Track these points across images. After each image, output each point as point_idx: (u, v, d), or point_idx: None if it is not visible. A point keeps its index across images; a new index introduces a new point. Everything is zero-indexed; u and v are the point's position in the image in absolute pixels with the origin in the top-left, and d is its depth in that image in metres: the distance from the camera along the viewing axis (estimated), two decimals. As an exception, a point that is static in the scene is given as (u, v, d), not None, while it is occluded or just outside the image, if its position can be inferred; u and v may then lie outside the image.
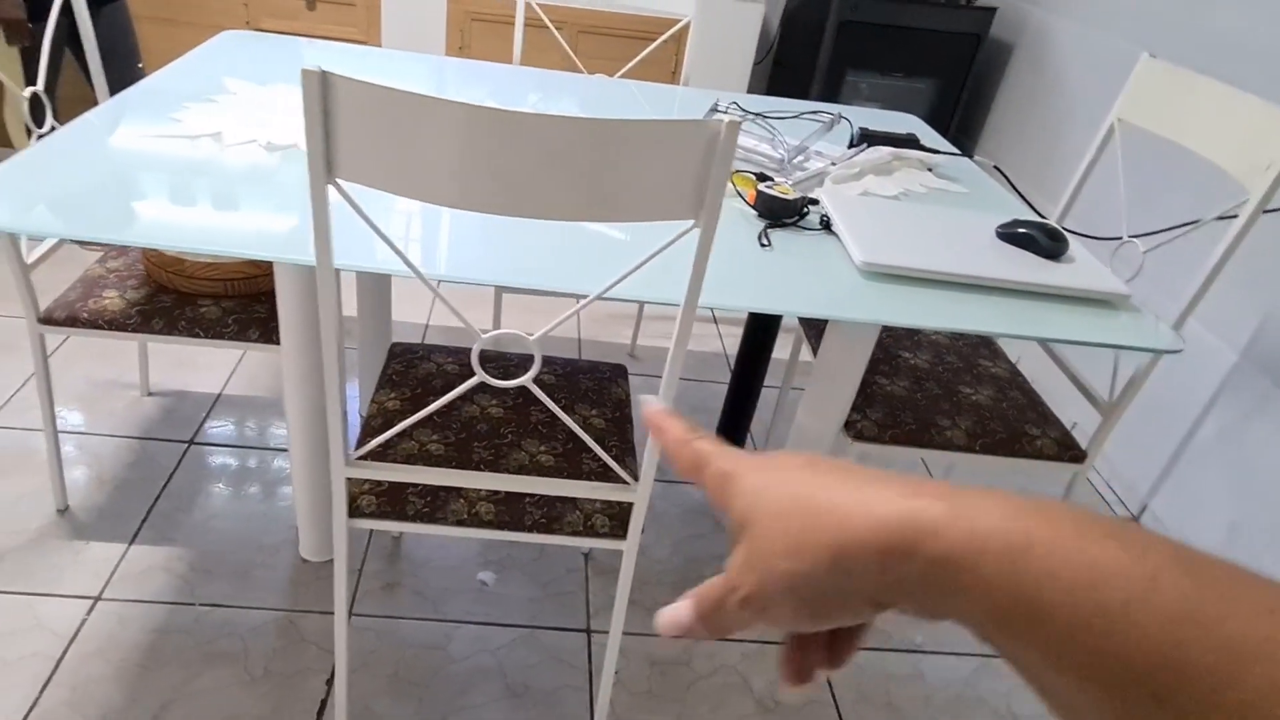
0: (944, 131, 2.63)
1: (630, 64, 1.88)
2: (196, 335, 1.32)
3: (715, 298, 0.99)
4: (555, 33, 1.84)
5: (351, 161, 0.77)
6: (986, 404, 1.43)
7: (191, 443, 1.73)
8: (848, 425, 1.35)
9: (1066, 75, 2.28)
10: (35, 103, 1.31)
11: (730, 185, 1.23)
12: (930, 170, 1.44)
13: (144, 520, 1.54)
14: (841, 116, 1.41)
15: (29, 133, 1.31)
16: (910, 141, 1.46)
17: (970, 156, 1.52)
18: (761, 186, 1.17)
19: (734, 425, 1.89)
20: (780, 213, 1.16)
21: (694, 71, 2.62)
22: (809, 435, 1.35)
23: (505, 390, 1.25)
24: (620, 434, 1.22)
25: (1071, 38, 2.27)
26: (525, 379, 0.93)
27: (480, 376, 0.92)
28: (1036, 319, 1.05)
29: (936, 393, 1.44)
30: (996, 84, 2.58)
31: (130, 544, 1.49)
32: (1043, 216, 1.54)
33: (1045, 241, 1.14)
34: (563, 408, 1.25)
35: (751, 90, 2.97)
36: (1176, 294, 1.22)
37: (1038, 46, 2.41)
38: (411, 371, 1.28)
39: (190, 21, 2.46)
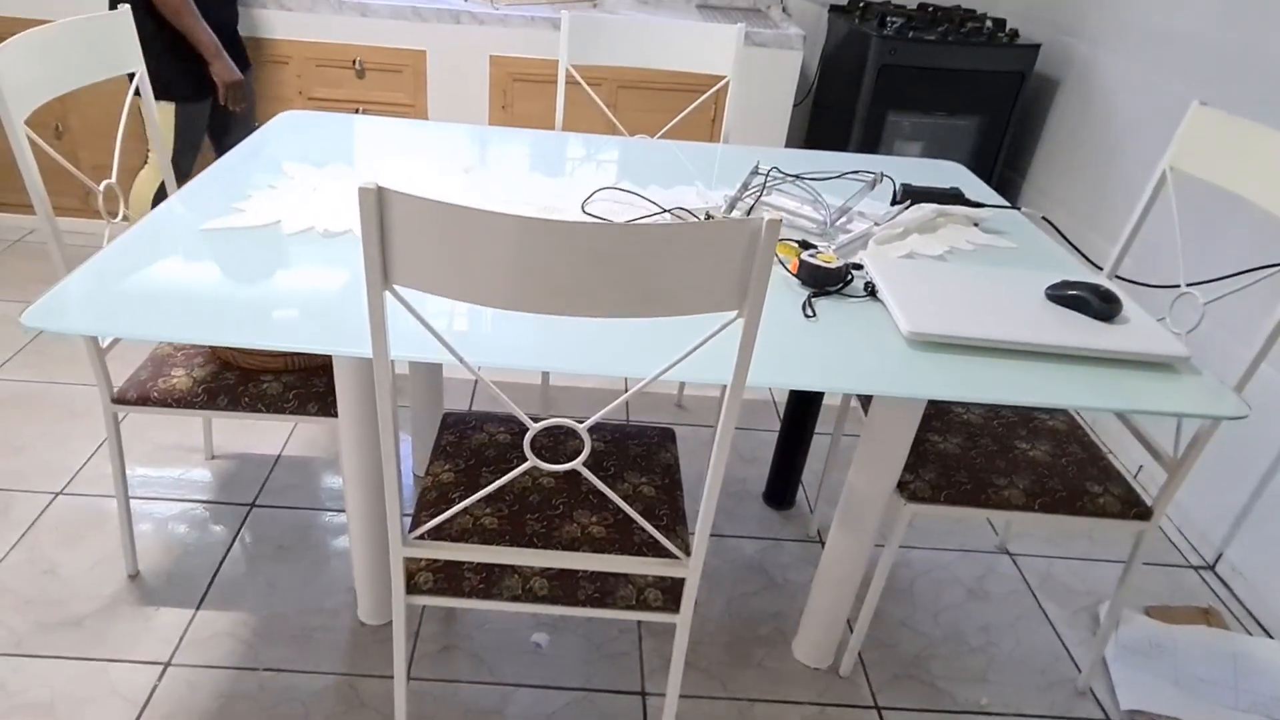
0: (990, 170, 2.60)
1: (669, 125, 1.91)
2: (259, 410, 1.37)
3: (760, 375, 0.99)
4: (595, 98, 1.88)
5: (406, 269, 0.80)
6: (1044, 460, 1.40)
7: (253, 505, 1.78)
8: (901, 486, 1.33)
9: (1115, 111, 2.25)
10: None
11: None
12: (976, 225, 1.43)
13: (210, 584, 1.59)
14: (883, 175, 1.41)
15: (114, 215, 1.39)
16: (954, 196, 1.45)
17: (1017, 207, 1.50)
18: (804, 255, 1.17)
19: (785, 475, 1.88)
20: (824, 281, 1.16)
21: (734, 118, 2.64)
22: (861, 497, 1.34)
23: (555, 462, 1.27)
24: (670, 502, 1.23)
25: (1120, 73, 2.24)
26: (576, 463, 0.94)
27: (532, 461, 0.94)
28: (1092, 387, 1.03)
29: (992, 449, 1.41)
30: (1042, 121, 2.55)
31: (198, 609, 1.53)
32: (1096, 265, 1.51)
33: (1097, 304, 1.12)
34: (612, 476, 1.26)
35: (792, 132, 2.99)
36: (1239, 333, 1.18)
37: (1085, 82, 2.38)
38: (464, 442, 1.31)
39: (256, 94, 2.57)
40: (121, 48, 1.41)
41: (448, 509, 1.17)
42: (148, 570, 1.61)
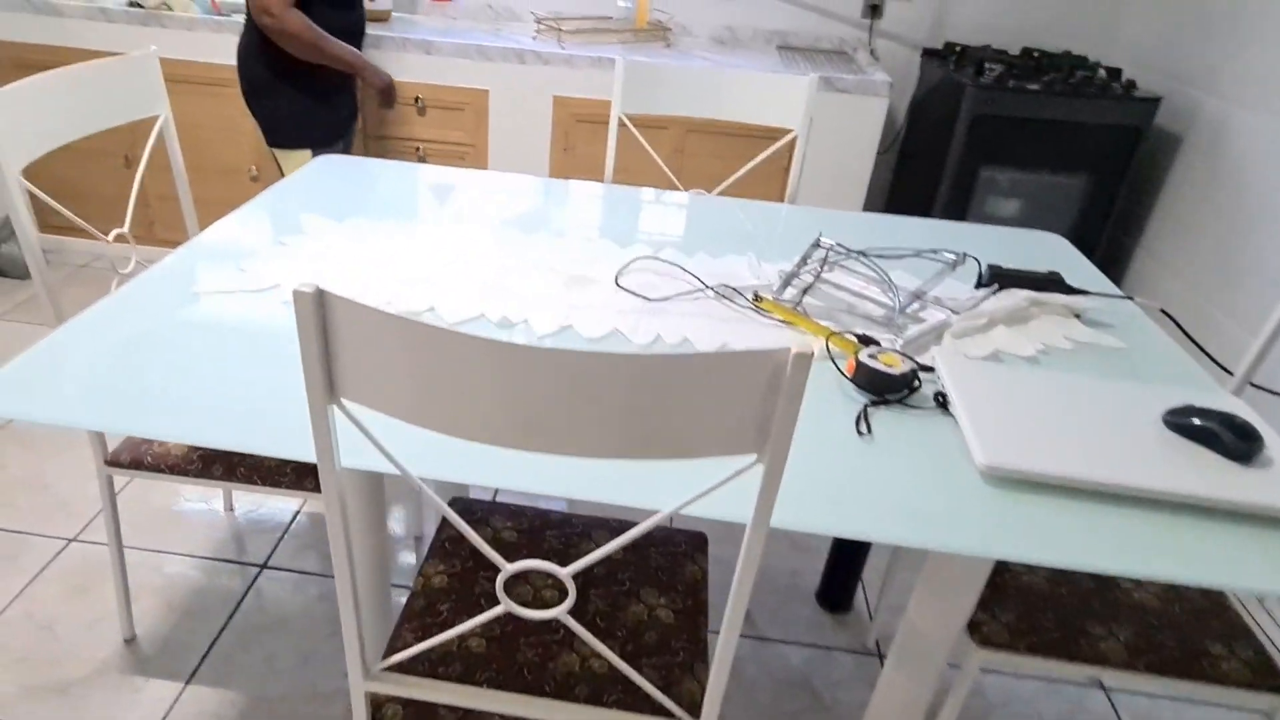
0: (1098, 234, 2.34)
1: (730, 180, 1.75)
2: (254, 483, 1.26)
3: (792, 514, 0.81)
4: (650, 150, 1.74)
5: (355, 384, 0.66)
6: (1153, 605, 1.16)
7: (264, 567, 1.68)
8: (972, 627, 1.12)
9: (1251, 176, 1.96)
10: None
11: (824, 345, 1.06)
12: (1078, 317, 1.21)
13: (205, 655, 1.48)
14: (966, 255, 1.21)
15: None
16: (1052, 282, 1.24)
17: (1130, 297, 1.27)
18: (863, 355, 0.99)
19: (843, 573, 1.67)
20: (885, 388, 0.97)
21: (804, 175, 2.46)
22: (923, 636, 1.12)
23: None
24: (691, 631, 1.05)
25: (1257, 133, 1.96)
26: (558, 612, 0.78)
27: (505, 605, 0.78)
28: (1223, 554, 0.81)
29: (1088, 587, 1.18)
30: (1161, 183, 2.27)
31: (187, 683, 1.43)
32: (1225, 369, 1.26)
33: (1231, 440, 0.89)
34: (626, 593, 1.09)
35: (874, 183, 2.78)
36: None
37: (1214, 142, 2.11)
38: (466, 538, 1.16)
39: (313, 126, 2.54)
40: (147, 90, 1.34)
41: (432, 623, 1.02)
42: (145, 634, 1.51)
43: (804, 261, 1.22)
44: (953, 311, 1.15)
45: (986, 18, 2.61)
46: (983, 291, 1.21)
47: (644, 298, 1.17)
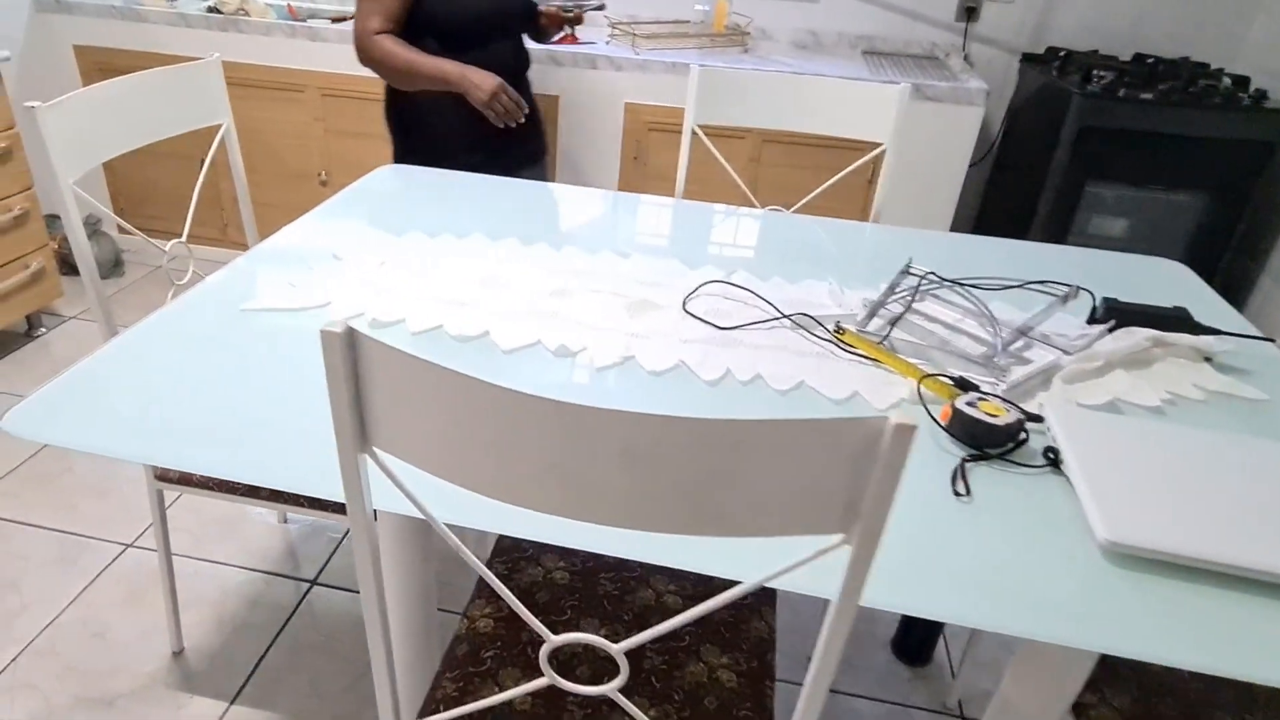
0: (1218, 257, 2.13)
1: (810, 196, 1.64)
2: (300, 505, 1.21)
3: (874, 590, 0.70)
4: (725, 164, 1.64)
5: (388, 434, 0.59)
6: (1291, 697, 1.00)
7: (314, 583, 1.64)
8: (1078, 709, 0.99)
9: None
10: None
11: (916, 388, 0.94)
12: (1208, 361, 1.07)
13: (251, 674, 1.45)
14: (1080, 288, 1.07)
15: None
16: (1178, 319, 1.09)
17: (1271, 339, 1.12)
18: (961, 401, 0.87)
19: (922, 626, 1.54)
20: (986, 441, 0.85)
21: (891, 191, 2.32)
22: (1020, 717, 1.00)
23: (616, 618, 1.02)
24: (755, 698, 0.95)
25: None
26: (610, 688, 0.69)
27: (550, 678, 0.69)
28: None
29: (1210, 669, 1.03)
30: (1290, 202, 2.06)
31: (232, 702, 1.40)
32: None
33: None
34: (686, 649, 1.00)
35: (965, 196, 2.62)
36: None
37: (1352, 155, 1.89)
38: (515, 577, 1.09)
39: (376, 134, 2.53)
40: (210, 98, 1.31)
41: (475, 673, 0.94)
42: (193, 647, 1.49)
43: (892, 290, 1.10)
44: (1064, 352, 1.02)
45: (1093, 21, 2.43)
46: (1097, 329, 1.07)
47: (713, 326, 1.07)
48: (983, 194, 2.62)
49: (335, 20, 2.62)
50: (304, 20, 2.62)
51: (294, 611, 1.58)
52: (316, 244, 1.23)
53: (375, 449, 0.61)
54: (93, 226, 2.68)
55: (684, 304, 1.13)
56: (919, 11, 2.52)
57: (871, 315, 1.08)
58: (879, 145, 1.53)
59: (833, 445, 0.51)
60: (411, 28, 1.59)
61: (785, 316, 1.09)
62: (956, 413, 0.86)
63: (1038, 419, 0.90)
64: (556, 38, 1.88)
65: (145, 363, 0.92)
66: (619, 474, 0.53)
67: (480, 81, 1.55)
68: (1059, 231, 2.14)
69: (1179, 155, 2.00)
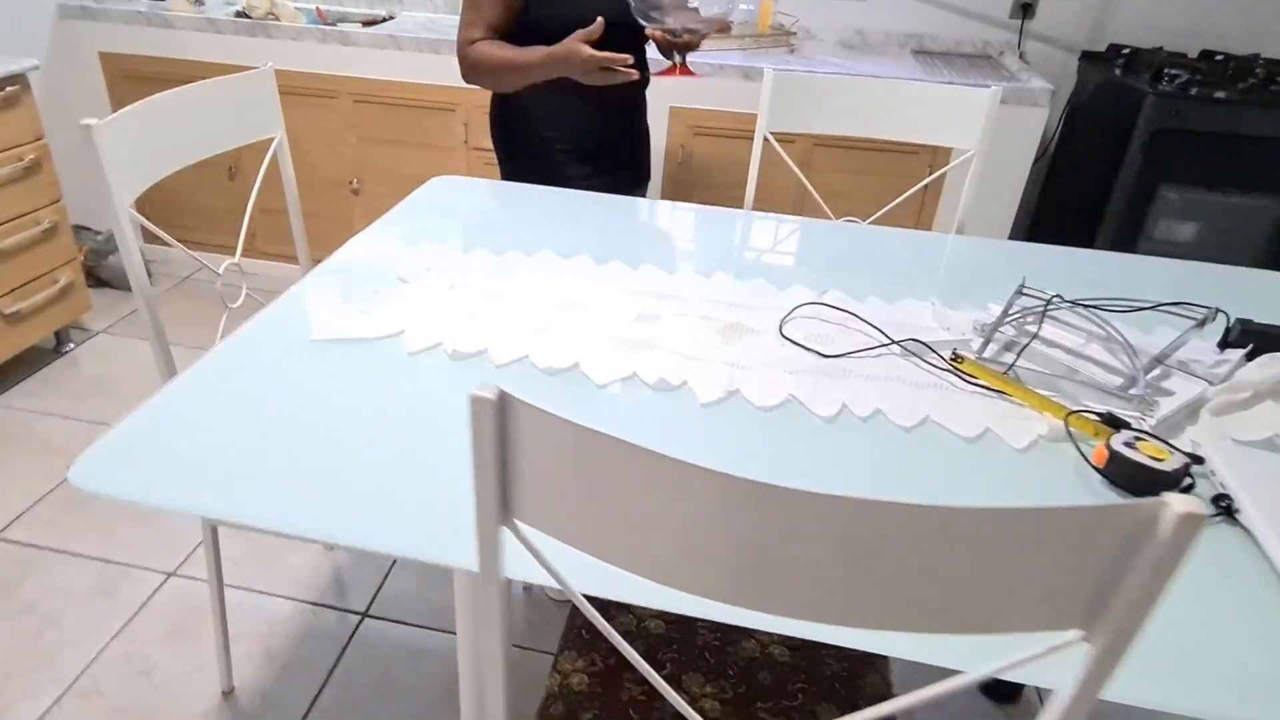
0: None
1: (886, 208, 1.55)
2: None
3: (1040, 674, 0.62)
4: (799, 174, 1.56)
5: (535, 507, 0.51)
6: None
7: (365, 615, 1.57)
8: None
9: None
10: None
11: (1063, 426, 0.86)
12: (1359, 387, 0.98)
13: (305, 717, 1.37)
14: (1218, 310, 0.99)
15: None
16: (1322, 341, 1.00)
17: None
18: (1118, 441, 0.79)
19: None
20: (1148, 488, 0.77)
21: (950, 183, 2.23)
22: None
23: (720, 673, 0.94)
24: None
25: None
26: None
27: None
28: None
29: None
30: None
31: (287, 747, 1.32)
32: None
33: None
34: (797, 709, 0.92)
35: (1021, 201, 2.53)
36: None
37: None
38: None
39: (409, 141, 2.46)
40: (263, 110, 1.24)
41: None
42: (244, 687, 1.42)
43: (1006, 312, 1.02)
44: (1206, 382, 0.93)
45: (1156, 17, 2.33)
46: (1234, 354, 0.99)
47: (817, 353, 0.99)
48: (1038, 197, 2.53)
49: (366, 24, 2.55)
50: (333, 24, 2.55)
51: (346, 646, 1.50)
52: (378, 263, 1.15)
53: (517, 521, 0.53)
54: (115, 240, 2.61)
55: (780, 328, 1.05)
56: (971, 9, 2.44)
57: (988, 340, 1.00)
58: (965, 153, 1.45)
59: (1094, 535, 0.43)
60: (516, 40, 1.42)
61: (895, 343, 1.01)
62: (1114, 455, 0.78)
63: (1198, 460, 0.82)
64: (660, 70, 1.42)
65: (214, 402, 0.85)
66: (834, 566, 0.45)
67: (567, 49, 1.32)
68: (1129, 237, 2.05)
69: (1258, 157, 1.91)
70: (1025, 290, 1.04)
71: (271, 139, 1.27)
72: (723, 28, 1.45)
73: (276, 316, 1.01)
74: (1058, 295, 1.01)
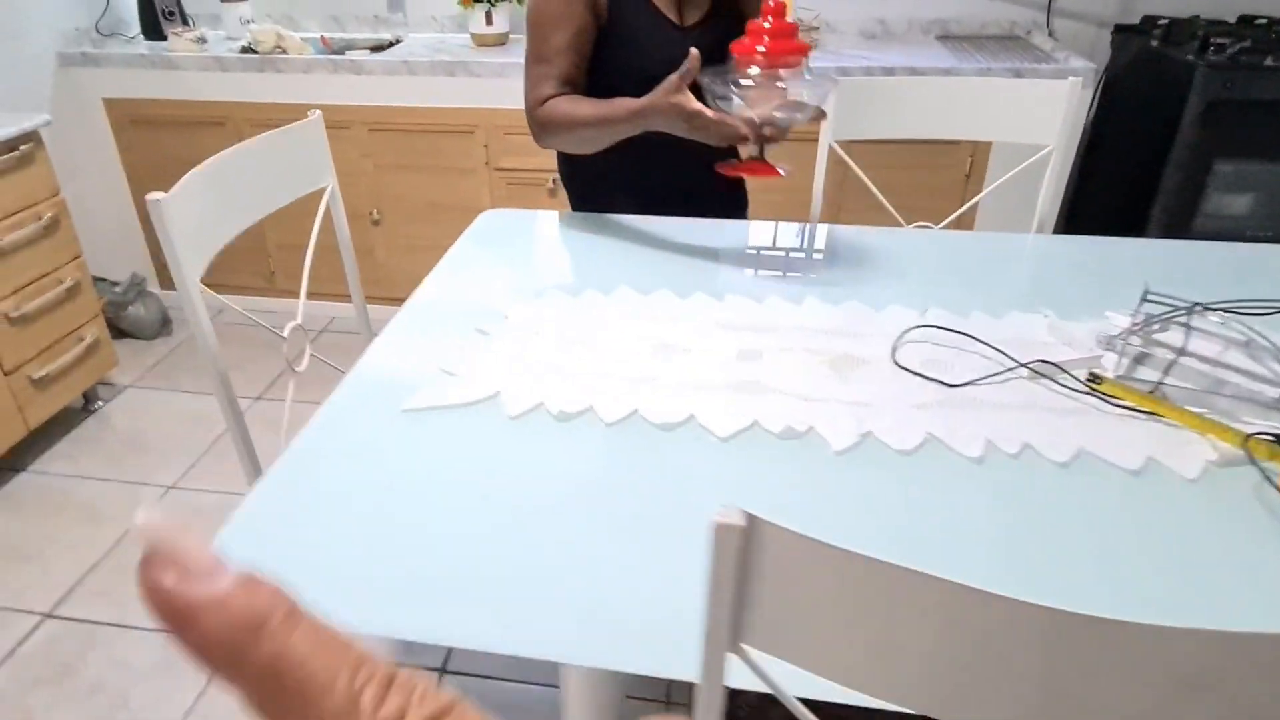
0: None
1: (963, 209, 1.49)
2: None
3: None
4: (868, 182, 1.50)
5: (771, 634, 0.45)
6: None
7: (444, 671, 1.51)
8: None
9: None
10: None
11: (1243, 450, 0.80)
12: None
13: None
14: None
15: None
16: None
17: None
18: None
19: None
20: (1348, 515, 0.71)
21: (995, 169, 2.17)
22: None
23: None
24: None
25: None
26: None
27: None
28: None
29: None
30: None
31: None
32: None
33: None
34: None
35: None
36: None
37: None
38: None
39: (429, 167, 2.39)
40: (314, 159, 1.17)
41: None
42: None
43: (1141, 323, 0.96)
44: (1366, 386, 0.87)
45: (1188, -16, 2.27)
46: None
47: (940, 383, 0.93)
48: (1075, 181, 2.47)
49: (374, 49, 2.48)
50: (339, 52, 2.48)
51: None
52: (450, 314, 1.09)
53: (746, 646, 0.47)
54: (138, 287, 2.55)
55: (894, 355, 0.98)
56: (995, -11, 2.37)
57: (1123, 356, 0.93)
58: (1044, 147, 1.39)
59: None
60: (588, 93, 1.26)
61: (1023, 365, 0.95)
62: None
63: (1388, 480, 0.76)
64: (732, 167, 1.17)
65: (312, 497, 0.78)
66: (1166, 705, 0.39)
67: (657, 102, 1.08)
68: (1184, 216, 1.99)
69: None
70: (1151, 297, 0.98)
71: (324, 188, 1.20)
72: (819, 116, 1.15)
73: (361, 386, 0.95)
74: (1199, 305, 0.95)
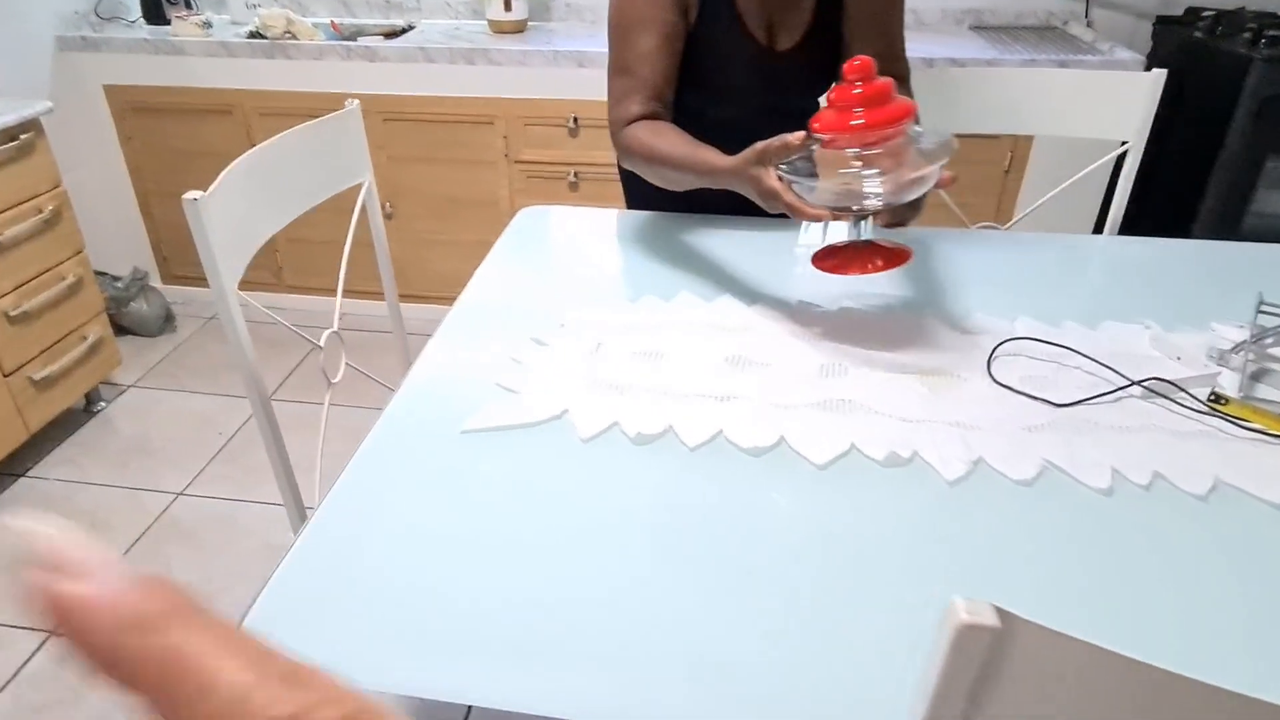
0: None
1: (1036, 204, 1.42)
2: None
3: None
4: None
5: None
6: None
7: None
8: None
9: None
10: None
11: (1382, 482, 0.73)
12: None
13: (433, 820, 1.24)
14: None
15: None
16: None
17: None
18: None
19: None
20: None
21: (1040, 168, 2.10)
22: None
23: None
24: None
25: None
26: None
27: None
28: None
29: None
30: None
31: None
32: None
33: None
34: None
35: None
36: None
37: None
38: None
39: (445, 159, 2.30)
40: (350, 153, 1.09)
41: None
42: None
43: (1261, 335, 0.89)
44: None
45: (1233, -25, 2.20)
46: None
47: (1046, 402, 0.86)
48: (1108, 179, 2.39)
49: (388, 36, 2.38)
50: (351, 38, 2.38)
51: (461, 731, 1.36)
52: (502, 322, 1.01)
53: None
54: (140, 283, 2.45)
55: (990, 369, 0.91)
56: (1033, -22, 2.29)
57: (1242, 373, 0.86)
58: (1120, 145, 1.31)
59: None
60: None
61: (1137, 384, 0.87)
62: None
63: None
64: (825, 258, 0.97)
65: (369, 537, 0.70)
66: None
67: (749, 179, 0.93)
68: (1234, 214, 1.93)
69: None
70: (1266, 307, 0.91)
71: (361, 184, 1.12)
72: (947, 181, 0.88)
73: (413, 405, 0.87)
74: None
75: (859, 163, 0.84)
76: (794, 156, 0.88)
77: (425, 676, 0.58)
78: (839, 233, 1.10)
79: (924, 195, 0.90)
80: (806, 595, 0.64)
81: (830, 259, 0.96)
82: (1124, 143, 1.33)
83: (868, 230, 0.94)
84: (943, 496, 0.75)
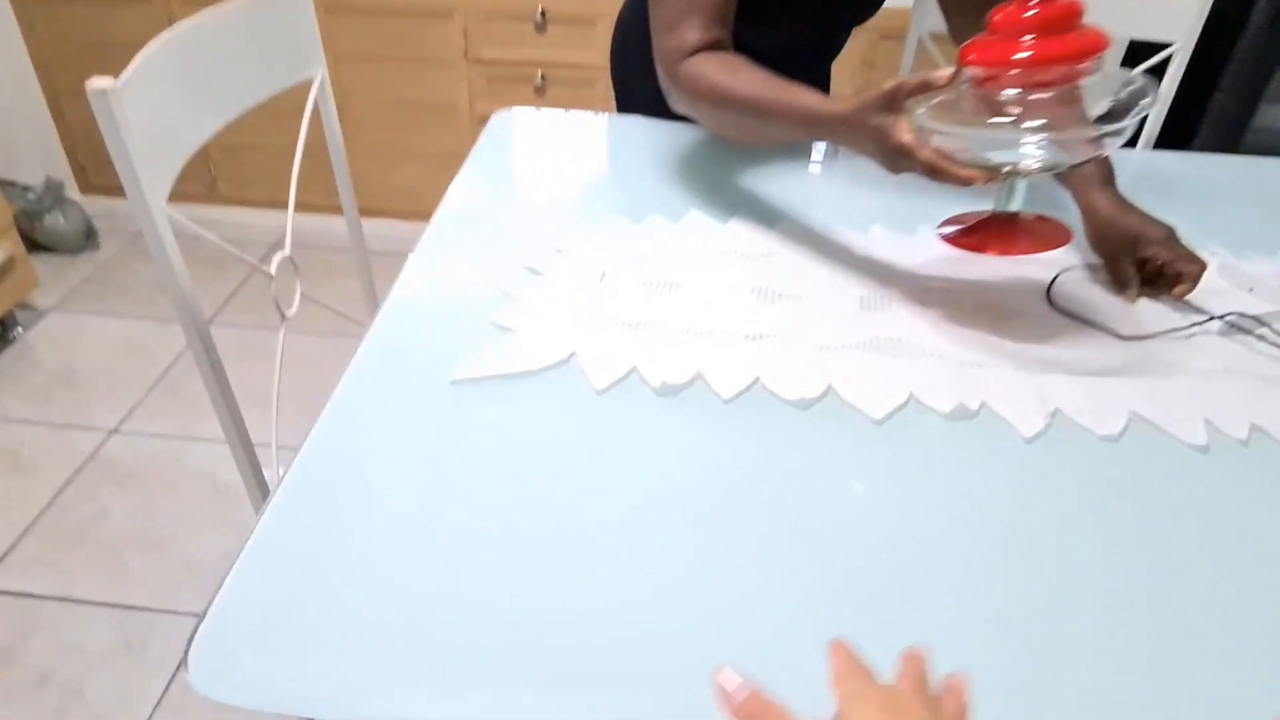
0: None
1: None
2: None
3: None
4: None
5: None
6: None
7: None
8: None
9: None
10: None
11: None
12: None
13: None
14: None
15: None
16: None
17: None
18: None
19: None
20: None
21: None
22: None
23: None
24: None
25: None
26: None
27: None
28: None
29: None
30: None
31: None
32: None
33: None
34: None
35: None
36: None
37: None
38: None
39: (396, 57, 2.06)
40: (297, 42, 0.90)
41: None
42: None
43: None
44: None
45: None
46: None
47: (1114, 334, 0.76)
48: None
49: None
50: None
51: None
52: (485, 244, 0.86)
53: None
54: (55, 193, 2.19)
55: (1050, 297, 0.80)
56: None
57: (1330, 308, 0.77)
58: (1165, 47, 1.18)
59: None
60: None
61: (1214, 318, 0.77)
62: None
63: None
64: (954, 232, 0.83)
65: (343, 519, 0.58)
66: None
67: (857, 122, 0.72)
68: (1237, 129, 1.84)
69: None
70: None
71: (310, 80, 0.93)
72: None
73: (389, 349, 0.73)
74: None
75: (1019, 108, 0.64)
76: (934, 100, 0.67)
77: (423, 705, 0.47)
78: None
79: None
80: (873, 583, 0.54)
81: (967, 235, 0.79)
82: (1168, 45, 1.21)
83: (1019, 198, 0.76)
84: (1017, 454, 0.65)
